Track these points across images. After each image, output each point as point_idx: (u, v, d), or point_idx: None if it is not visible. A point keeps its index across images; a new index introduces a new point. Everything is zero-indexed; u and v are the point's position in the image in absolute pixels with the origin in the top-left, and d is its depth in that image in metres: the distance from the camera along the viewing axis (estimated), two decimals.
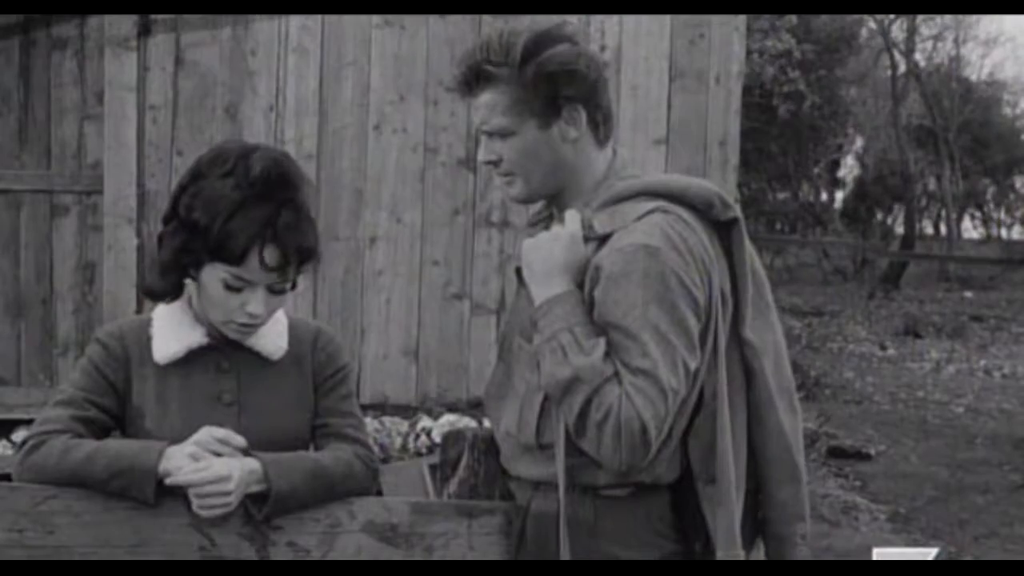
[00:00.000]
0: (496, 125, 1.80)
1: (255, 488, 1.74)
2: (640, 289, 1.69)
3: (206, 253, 1.74)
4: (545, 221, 1.94)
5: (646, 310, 1.69)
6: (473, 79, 1.80)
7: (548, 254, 1.77)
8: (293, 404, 1.89)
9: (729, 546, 1.77)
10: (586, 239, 1.78)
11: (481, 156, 1.86)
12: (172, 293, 1.84)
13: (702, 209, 1.80)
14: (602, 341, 1.71)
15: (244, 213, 1.72)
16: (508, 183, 1.86)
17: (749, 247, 1.86)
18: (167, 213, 1.81)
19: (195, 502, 1.71)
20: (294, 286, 1.85)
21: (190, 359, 1.84)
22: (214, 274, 1.76)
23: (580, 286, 1.77)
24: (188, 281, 1.83)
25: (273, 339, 1.88)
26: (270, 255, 1.73)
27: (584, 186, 1.85)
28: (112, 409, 1.83)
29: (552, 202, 1.91)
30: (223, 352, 1.86)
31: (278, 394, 1.88)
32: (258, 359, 1.87)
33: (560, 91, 1.78)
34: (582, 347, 1.70)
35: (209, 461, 1.71)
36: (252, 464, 1.74)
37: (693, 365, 1.73)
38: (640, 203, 1.78)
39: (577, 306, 1.74)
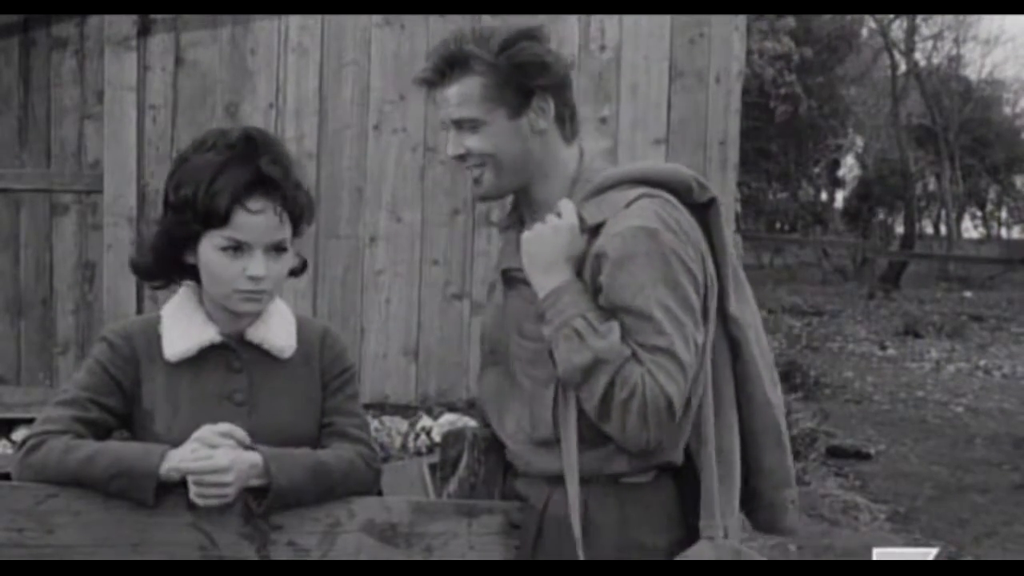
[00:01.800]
0: (468, 115, 1.82)
1: (255, 482, 1.74)
2: (646, 270, 1.73)
3: (198, 222, 1.75)
4: (516, 225, 1.95)
5: (654, 290, 1.73)
6: (449, 67, 1.82)
7: (551, 245, 1.79)
8: (303, 403, 1.89)
9: (707, 516, 1.79)
10: None
11: (450, 150, 1.88)
12: (166, 275, 1.85)
13: (682, 192, 1.85)
14: (616, 324, 1.73)
15: (226, 174, 1.74)
16: (476, 179, 1.88)
17: (725, 226, 1.90)
18: (162, 209, 1.83)
19: (193, 490, 1.71)
20: (295, 273, 1.87)
21: (201, 358, 1.84)
22: (209, 244, 1.77)
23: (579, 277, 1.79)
24: (192, 285, 1.84)
25: (283, 336, 1.88)
26: (256, 205, 1.74)
27: (552, 183, 1.87)
28: (117, 409, 1.82)
29: (521, 202, 1.94)
30: (234, 351, 1.86)
31: (288, 394, 1.88)
32: (268, 358, 1.87)
33: (532, 80, 1.81)
34: (597, 330, 1.72)
35: (210, 451, 1.71)
36: (253, 458, 1.74)
37: (700, 340, 1.77)
38: (624, 191, 1.82)
39: (583, 293, 1.77)
